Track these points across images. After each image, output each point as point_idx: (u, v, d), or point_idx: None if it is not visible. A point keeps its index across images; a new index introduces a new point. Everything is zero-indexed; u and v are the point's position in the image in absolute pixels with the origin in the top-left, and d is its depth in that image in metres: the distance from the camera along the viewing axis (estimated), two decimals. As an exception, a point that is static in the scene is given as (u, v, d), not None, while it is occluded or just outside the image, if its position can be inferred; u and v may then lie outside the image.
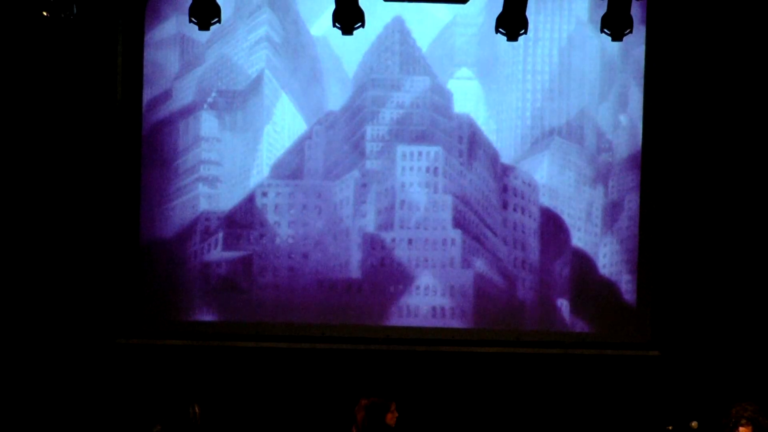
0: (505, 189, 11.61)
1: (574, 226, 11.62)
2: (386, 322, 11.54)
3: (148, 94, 11.53)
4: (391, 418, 8.68)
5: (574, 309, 11.59)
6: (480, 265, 11.55)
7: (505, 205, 11.59)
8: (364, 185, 11.57)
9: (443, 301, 11.55)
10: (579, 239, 11.61)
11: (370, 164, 11.58)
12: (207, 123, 11.56)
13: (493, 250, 11.56)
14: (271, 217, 11.55)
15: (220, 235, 11.52)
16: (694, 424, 8.69)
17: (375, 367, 11.31)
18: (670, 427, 9.15)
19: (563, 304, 11.58)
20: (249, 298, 11.53)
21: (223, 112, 11.55)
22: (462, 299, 11.55)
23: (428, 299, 11.55)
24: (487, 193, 11.58)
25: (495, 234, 11.58)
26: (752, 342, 11.34)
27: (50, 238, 11.24)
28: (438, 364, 11.43)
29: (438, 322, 11.53)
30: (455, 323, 11.54)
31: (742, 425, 8.36)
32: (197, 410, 8.20)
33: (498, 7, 10.54)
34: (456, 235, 11.55)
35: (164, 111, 11.56)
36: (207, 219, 11.55)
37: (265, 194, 11.56)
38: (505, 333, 11.57)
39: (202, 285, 11.53)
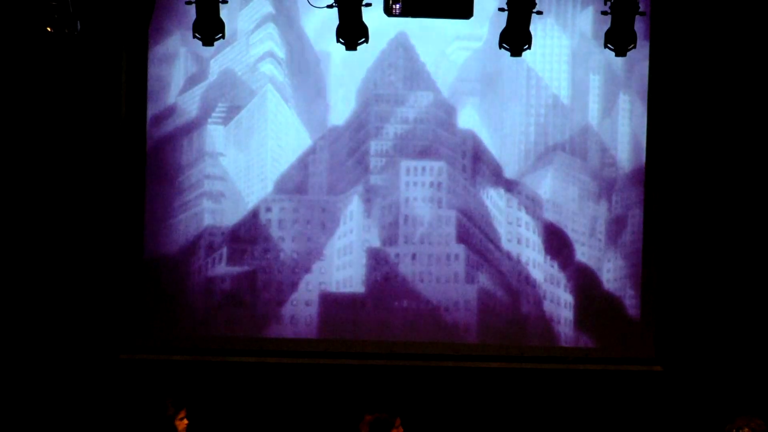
0: (508, 204, 11.60)
1: (578, 241, 11.61)
2: (390, 338, 11.52)
3: (152, 110, 11.53)
4: (395, 433, 8.67)
5: (578, 324, 11.58)
6: (484, 280, 11.54)
7: (508, 220, 11.59)
8: (368, 200, 11.57)
9: (447, 316, 11.54)
10: (583, 254, 11.60)
11: (374, 179, 11.58)
12: (211, 138, 11.57)
13: (496, 265, 11.56)
14: (275, 232, 11.55)
15: (224, 250, 11.52)
16: (697, 439, 8.68)
17: (379, 383, 11.29)
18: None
19: (567, 319, 11.57)
20: (253, 313, 11.52)
21: (228, 127, 11.56)
22: (466, 314, 11.54)
23: (432, 314, 11.54)
24: (490, 208, 11.58)
25: (499, 249, 11.57)
26: (756, 357, 11.33)
27: (54, 253, 11.25)
28: (442, 379, 11.42)
29: (442, 337, 11.52)
30: (459, 338, 11.52)
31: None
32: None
33: (502, 22, 10.54)
34: (460, 250, 11.55)
35: (168, 126, 11.56)
36: (211, 234, 11.55)
37: (269, 209, 11.56)
38: (509, 348, 11.56)
39: (206, 300, 11.52)
